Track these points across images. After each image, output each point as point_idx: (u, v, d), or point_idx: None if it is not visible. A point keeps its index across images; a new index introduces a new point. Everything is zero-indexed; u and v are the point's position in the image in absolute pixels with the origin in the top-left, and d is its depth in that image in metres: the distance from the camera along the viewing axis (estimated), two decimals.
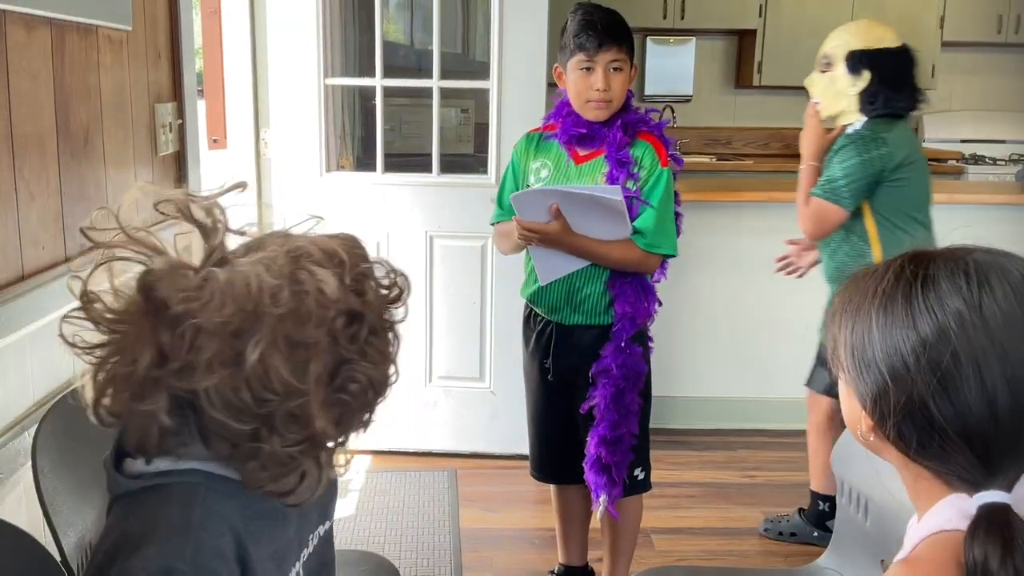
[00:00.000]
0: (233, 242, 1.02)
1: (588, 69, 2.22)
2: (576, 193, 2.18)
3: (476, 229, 3.35)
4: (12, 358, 1.64)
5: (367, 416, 1.05)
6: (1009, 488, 0.91)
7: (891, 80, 2.56)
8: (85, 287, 0.96)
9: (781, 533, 3.01)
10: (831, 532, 2.02)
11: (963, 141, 5.97)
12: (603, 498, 2.33)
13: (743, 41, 5.92)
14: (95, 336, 0.97)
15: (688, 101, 6.00)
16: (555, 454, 2.49)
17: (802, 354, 2.90)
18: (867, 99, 2.57)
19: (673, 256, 2.31)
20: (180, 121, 2.51)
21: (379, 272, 1.06)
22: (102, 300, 0.96)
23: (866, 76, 2.56)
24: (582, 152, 2.29)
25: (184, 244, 1.00)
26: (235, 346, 0.92)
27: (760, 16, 5.65)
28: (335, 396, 0.99)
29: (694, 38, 5.91)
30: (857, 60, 2.57)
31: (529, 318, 2.45)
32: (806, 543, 2.94)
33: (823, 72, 2.65)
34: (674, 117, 5.81)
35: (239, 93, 3.64)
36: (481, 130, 4.01)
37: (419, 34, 4.82)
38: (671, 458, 3.53)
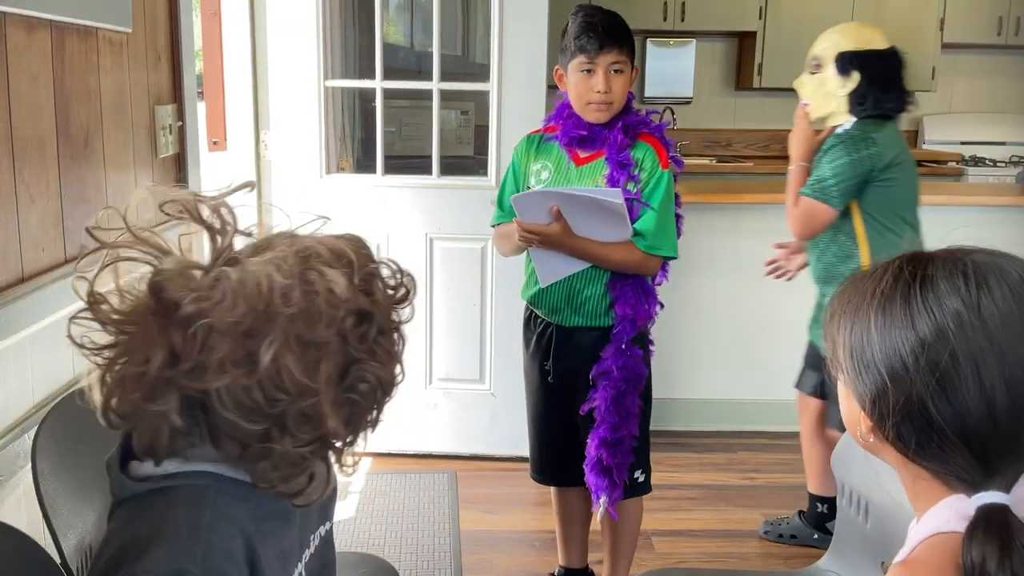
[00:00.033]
0: (239, 243, 1.02)
1: (589, 71, 2.22)
2: (577, 195, 2.18)
3: (476, 231, 3.36)
4: (12, 360, 1.64)
5: (376, 416, 1.05)
6: (1008, 489, 0.91)
7: (880, 81, 2.57)
8: (92, 288, 0.96)
9: (781, 535, 3.01)
10: (831, 534, 2.02)
11: (963, 143, 5.97)
12: (603, 499, 2.33)
13: (743, 43, 5.92)
14: (103, 337, 0.97)
15: (688, 103, 6.00)
16: (555, 456, 2.49)
17: (802, 356, 2.90)
18: (856, 100, 2.58)
19: (674, 258, 2.31)
20: (180, 123, 2.51)
21: (385, 272, 1.06)
22: (109, 301, 0.96)
23: (856, 77, 2.57)
24: (583, 154, 2.29)
25: (186, 245, 1.01)
26: (247, 346, 0.92)
27: (760, 18, 5.65)
28: (345, 396, 0.99)
29: (694, 40, 5.91)
30: (847, 61, 2.58)
31: (529, 320, 2.44)
32: (806, 545, 2.94)
33: (813, 73, 2.67)
34: (674, 119, 5.81)
35: (239, 95, 3.64)
36: (481, 132, 4.01)
37: (419, 36, 4.83)
38: (671, 460, 3.53)
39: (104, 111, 2.05)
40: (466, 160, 4.36)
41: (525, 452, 2.63)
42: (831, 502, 2.88)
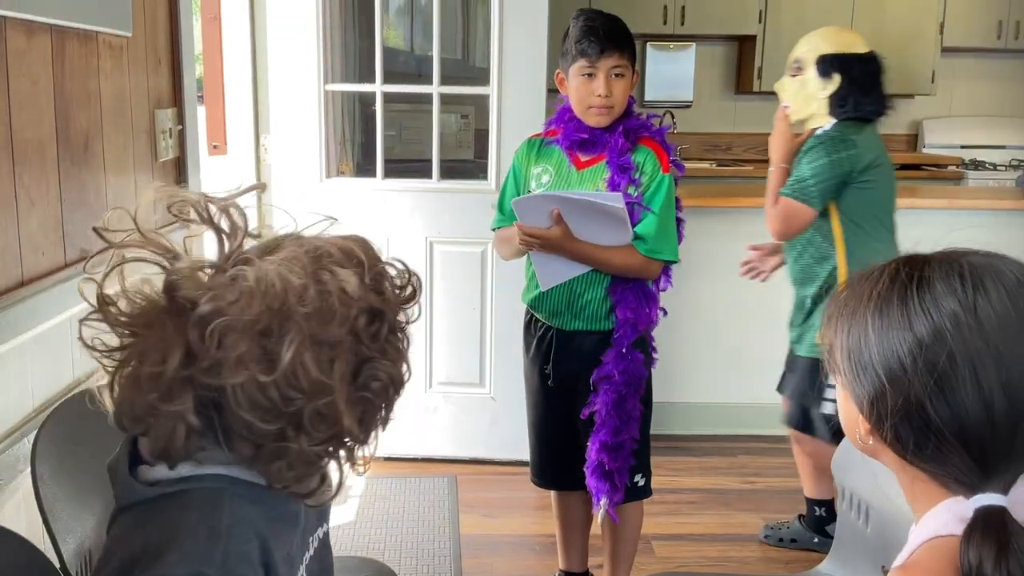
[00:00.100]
0: (246, 244, 1.02)
1: (590, 75, 2.22)
2: (577, 199, 2.18)
3: (476, 235, 3.36)
4: (12, 364, 1.64)
5: (387, 414, 1.06)
6: (1006, 491, 0.91)
7: (860, 84, 2.60)
8: (101, 289, 0.96)
9: (781, 540, 3.01)
10: (831, 538, 2.01)
11: (963, 147, 5.98)
12: (604, 500, 2.32)
13: (743, 47, 5.92)
14: (113, 339, 0.97)
15: (688, 107, 6.01)
16: (556, 460, 2.49)
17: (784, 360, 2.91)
18: (837, 102, 2.61)
19: (675, 262, 2.31)
20: (180, 127, 2.52)
21: (392, 272, 1.07)
22: (119, 302, 0.96)
23: (836, 80, 2.60)
24: (583, 158, 2.29)
25: (190, 247, 1.01)
26: (263, 344, 0.93)
27: (760, 22, 5.66)
28: (358, 395, 1.00)
29: (694, 44, 5.92)
30: (828, 64, 2.61)
31: (530, 323, 2.44)
32: (806, 549, 2.94)
33: (793, 76, 2.70)
34: (674, 123, 5.81)
35: (239, 99, 3.64)
36: (481, 136, 4.01)
37: (419, 40, 4.83)
38: (671, 464, 3.53)
39: (104, 115, 2.05)
40: (466, 164, 4.37)
41: (525, 456, 2.63)
42: (829, 505, 2.88)
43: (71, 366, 1.81)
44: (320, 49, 3.36)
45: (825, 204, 2.60)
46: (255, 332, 0.93)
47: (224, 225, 1.00)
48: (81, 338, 0.97)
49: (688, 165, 3.47)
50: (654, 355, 2.39)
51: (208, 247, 1.03)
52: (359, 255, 1.02)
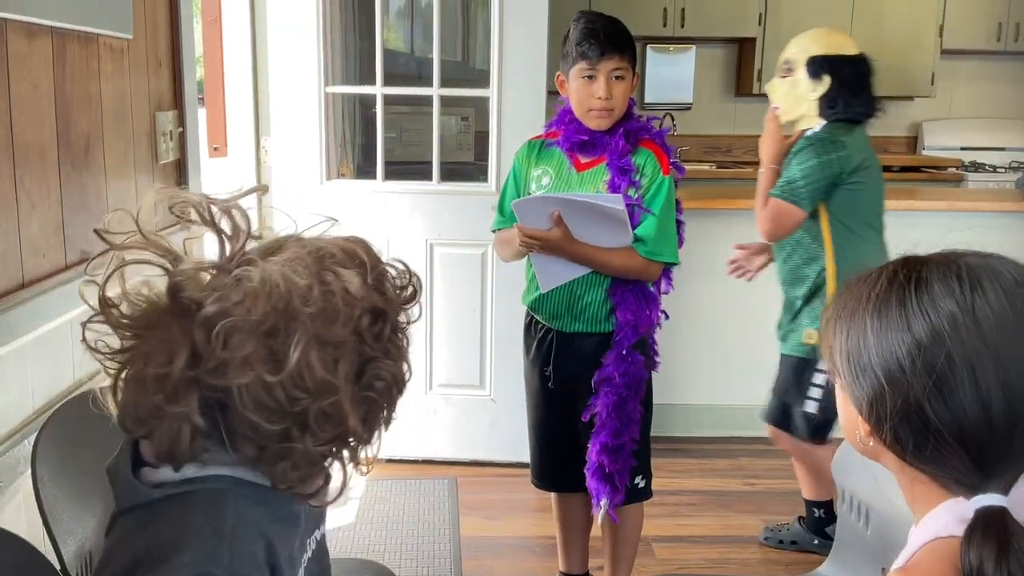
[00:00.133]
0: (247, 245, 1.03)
1: (590, 77, 2.23)
2: (578, 200, 2.18)
3: (476, 237, 3.36)
4: (12, 366, 1.64)
5: (390, 414, 1.07)
6: (1006, 491, 0.91)
7: (850, 86, 2.62)
8: (103, 292, 0.96)
9: (781, 541, 3.01)
10: (831, 539, 2.01)
11: (963, 148, 5.98)
12: (604, 501, 2.32)
13: (743, 49, 5.93)
14: (116, 341, 0.97)
15: (688, 109, 6.01)
16: (556, 462, 2.49)
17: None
18: (827, 104, 2.63)
19: (675, 264, 2.31)
20: (181, 129, 2.52)
21: (392, 272, 1.08)
22: (120, 304, 0.97)
23: (826, 81, 2.62)
24: (584, 159, 2.30)
25: (189, 248, 1.01)
26: (269, 345, 0.94)
27: (760, 24, 5.66)
28: (362, 394, 1.01)
29: (694, 46, 5.92)
30: (818, 65, 2.63)
31: (530, 325, 2.44)
32: (807, 551, 2.94)
33: (784, 77, 2.71)
34: (674, 125, 5.81)
35: (240, 101, 3.65)
36: (481, 138, 4.01)
37: (419, 42, 4.84)
38: (672, 466, 3.53)
39: (105, 117, 2.05)
40: (466, 166, 4.37)
41: (525, 458, 2.63)
42: (827, 506, 2.88)
43: (72, 368, 1.81)
44: (320, 51, 3.36)
45: (815, 205, 2.61)
46: (261, 333, 0.93)
47: (226, 226, 1.00)
48: (84, 340, 0.97)
49: (688, 167, 3.48)
50: (656, 359, 2.39)
51: (208, 249, 1.03)
52: (361, 256, 1.03)
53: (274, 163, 3.53)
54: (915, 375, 0.90)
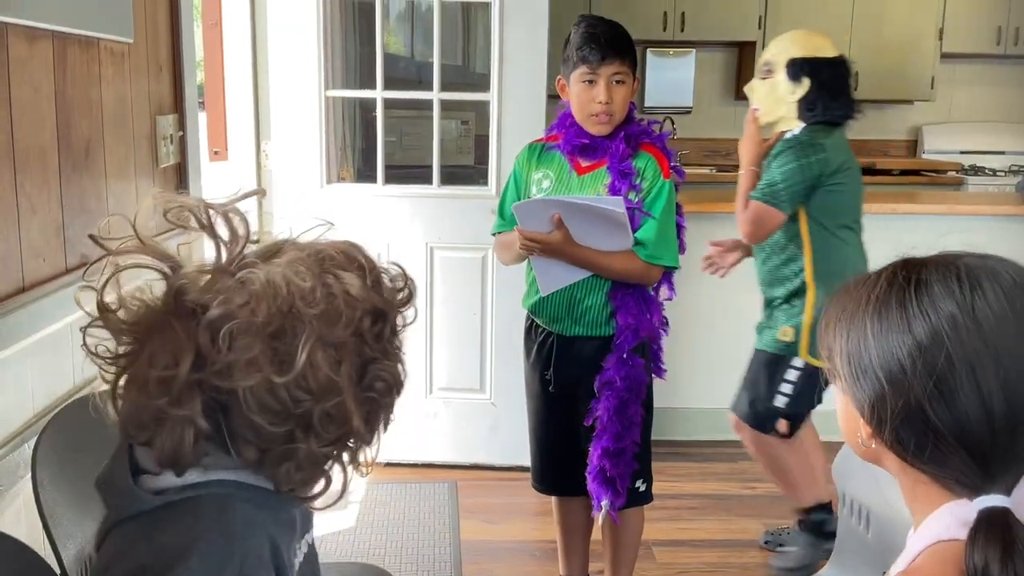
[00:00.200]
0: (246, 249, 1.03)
1: (591, 82, 2.23)
2: (578, 204, 2.18)
3: (476, 240, 3.36)
4: (12, 369, 1.64)
5: (389, 415, 1.08)
6: (1008, 492, 0.91)
7: (830, 88, 2.62)
8: (101, 297, 0.96)
9: (782, 545, 3.00)
10: (832, 541, 2.01)
11: (963, 152, 5.99)
12: (605, 502, 2.32)
13: (743, 53, 5.94)
14: (115, 346, 0.97)
15: (688, 113, 6.02)
16: (556, 465, 2.48)
17: None
18: (806, 106, 2.63)
19: (675, 268, 2.32)
20: (181, 133, 2.52)
21: (388, 275, 1.09)
22: (120, 309, 0.97)
23: (806, 83, 2.62)
24: (584, 163, 2.30)
25: (185, 253, 1.01)
26: (275, 346, 0.94)
27: (759, 28, 5.67)
28: (364, 395, 1.02)
29: (694, 50, 5.93)
30: (798, 68, 2.63)
31: (530, 329, 2.44)
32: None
33: (763, 79, 2.72)
34: (674, 129, 5.82)
35: (240, 105, 3.65)
36: (481, 142, 4.01)
37: (420, 46, 4.84)
38: (672, 470, 3.52)
39: (105, 121, 2.06)
40: (466, 170, 4.37)
41: (525, 461, 2.63)
42: (827, 507, 2.88)
43: (72, 372, 1.81)
44: (321, 55, 3.37)
45: (795, 208, 2.62)
46: (267, 334, 0.94)
47: (223, 231, 1.00)
48: (85, 345, 0.97)
49: (688, 171, 3.47)
50: (663, 367, 2.40)
51: (205, 253, 1.03)
52: (360, 259, 1.04)
53: (274, 167, 3.53)
54: (916, 376, 0.90)
